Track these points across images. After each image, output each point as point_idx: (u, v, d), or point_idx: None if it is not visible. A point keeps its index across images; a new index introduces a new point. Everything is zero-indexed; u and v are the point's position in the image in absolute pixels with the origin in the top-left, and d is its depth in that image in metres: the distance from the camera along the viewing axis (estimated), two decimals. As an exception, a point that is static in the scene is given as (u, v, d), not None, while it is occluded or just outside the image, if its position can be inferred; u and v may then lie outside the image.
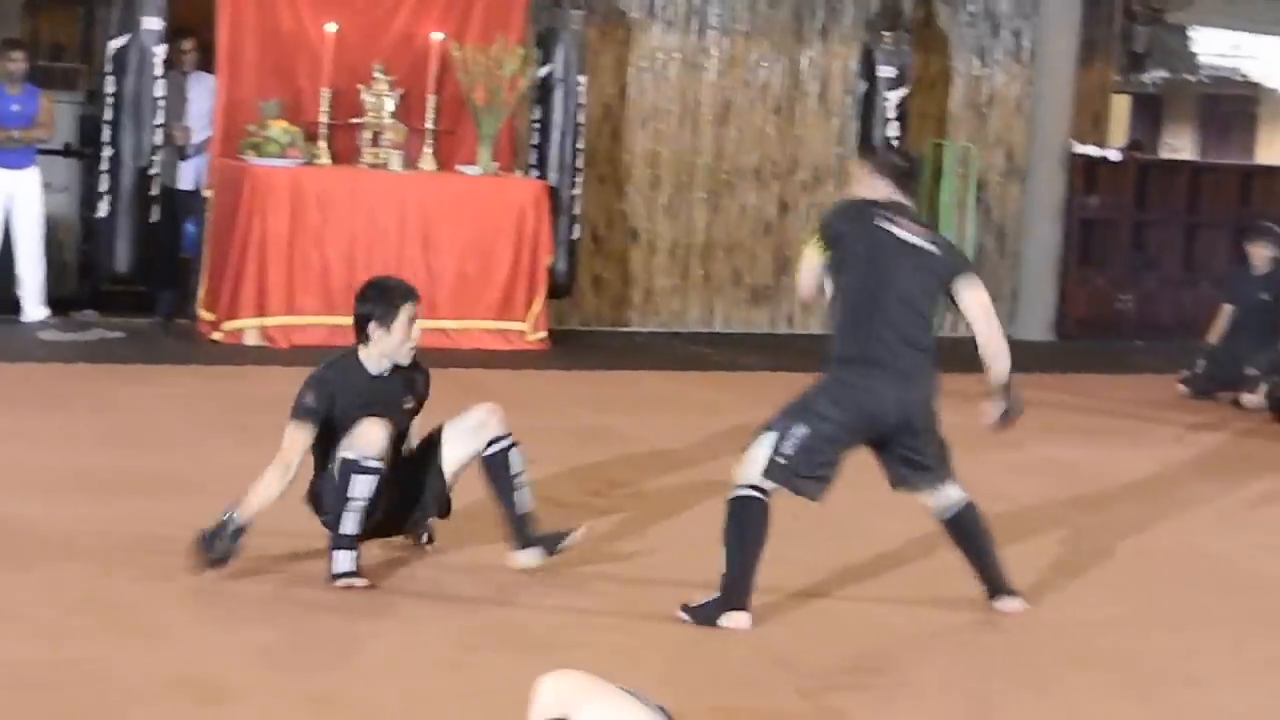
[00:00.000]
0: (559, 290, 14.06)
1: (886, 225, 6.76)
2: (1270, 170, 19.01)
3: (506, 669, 6.11)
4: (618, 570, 7.41)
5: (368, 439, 6.90)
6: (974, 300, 6.85)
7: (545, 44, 14.26)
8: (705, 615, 6.69)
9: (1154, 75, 20.55)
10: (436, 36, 13.56)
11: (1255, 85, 21.74)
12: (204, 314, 13.29)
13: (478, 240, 13.47)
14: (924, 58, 16.13)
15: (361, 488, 6.88)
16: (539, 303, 13.62)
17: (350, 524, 6.91)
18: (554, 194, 13.89)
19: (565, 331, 14.37)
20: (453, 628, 6.55)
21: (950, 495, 6.98)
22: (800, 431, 6.69)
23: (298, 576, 7.04)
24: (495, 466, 7.16)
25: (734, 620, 6.68)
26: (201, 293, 13.38)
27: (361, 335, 7.13)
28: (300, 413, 7.02)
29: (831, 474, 6.78)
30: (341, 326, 12.97)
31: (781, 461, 6.68)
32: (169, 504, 8.06)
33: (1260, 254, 13.47)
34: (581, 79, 14.24)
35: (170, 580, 6.87)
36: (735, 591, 6.71)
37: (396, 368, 7.19)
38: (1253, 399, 12.89)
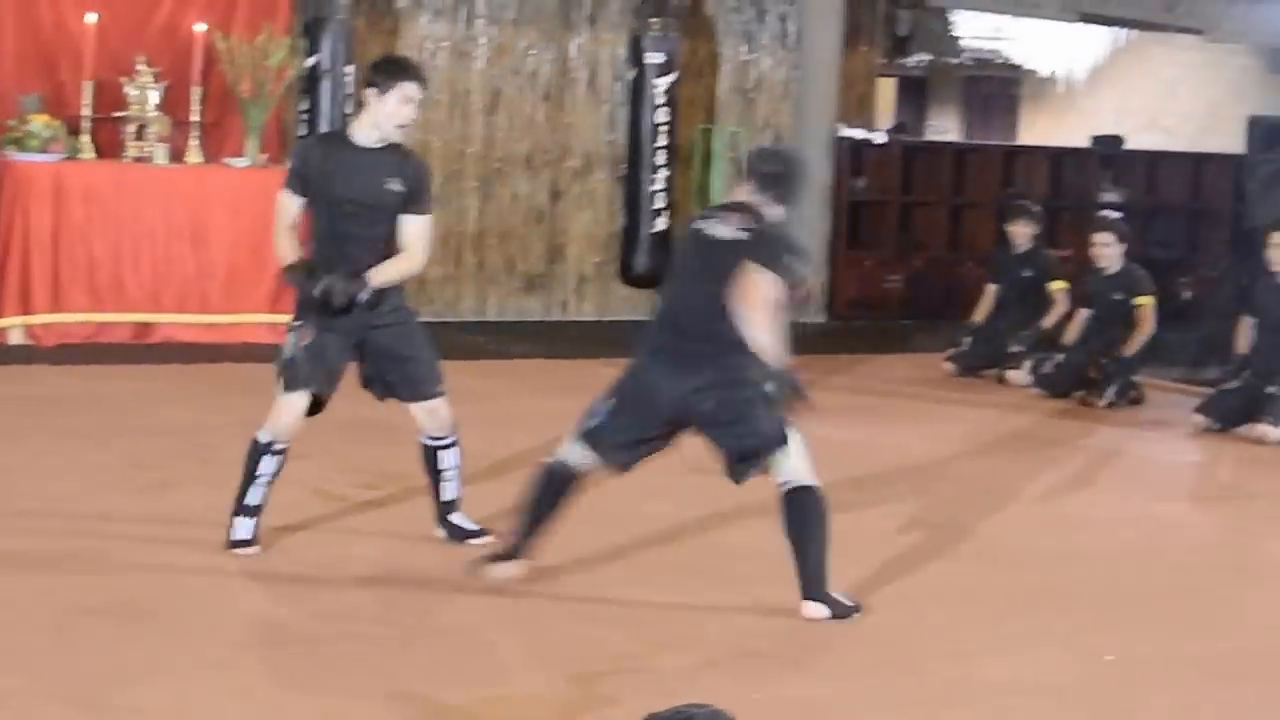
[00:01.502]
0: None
1: (700, 224, 7.10)
2: (1032, 150, 19.36)
3: (272, 667, 6.10)
4: (388, 566, 7.40)
5: (282, 424, 7.27)
6: (746, 288, 6.81)
7: (312, 34, 14.12)
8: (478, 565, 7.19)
9: (918, 58, 20.83)
10: (200, 28, 13.41)
11: (1017, 67, 22.09)
12: (-33, 313, 13.03)
13: (248, 233, 13.31)
14: (692, 44, 16.22)
15: (268, 467, 7.31)
16: (310, 295, 13.50)
17: (255, 497, 7.34)
18: (323, 185, 13.76)
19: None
20: (219, 627, 6.50)
21: (784, 470, 6.96)
22: (608, 405, 7.01)
23: (63, 577, 6.96)
24: (428, 458, 7.69)
25: (504, 570, 7.12)
26: (-36, 292, 13.11)
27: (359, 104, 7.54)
28: (286, 179, 7.44)
29: (637, 449, 7.05)
30: (110, 323, 12.96)
31: (591, 425, 7.03)
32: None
33: (1020, 232, 13.71)
34: (349, 69, 14.13)
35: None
36: (520, 541, 7.13)
37: (388, 147, 7.38)
38: (1018, 375, 13.16)
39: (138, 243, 13.04)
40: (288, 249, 7.38)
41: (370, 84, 7.40)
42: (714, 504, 8.38)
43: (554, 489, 7.08)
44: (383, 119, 7.33)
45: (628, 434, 7.02)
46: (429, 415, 7.57)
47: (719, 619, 6.91)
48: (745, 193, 7.10)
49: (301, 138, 7.30)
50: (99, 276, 12.92)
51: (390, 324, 7.44)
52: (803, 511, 6.94)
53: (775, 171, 7.14)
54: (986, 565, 8.00)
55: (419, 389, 7.54)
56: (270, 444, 7.32)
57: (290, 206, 7.41)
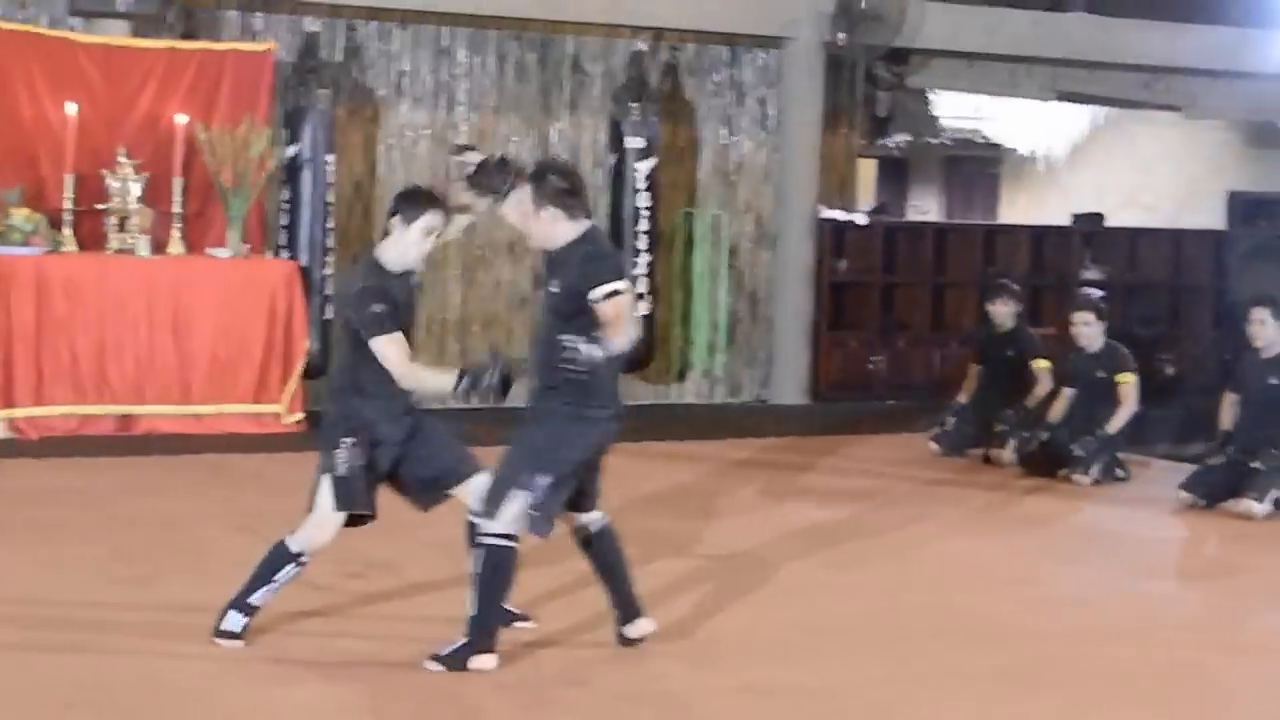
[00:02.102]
0: (314, 371, 13.91)
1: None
2: (1013, 229, 19.40)
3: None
4: (376, 655, 7.36)
5: (320, 539, 7.30)
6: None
7: (293, 124, 14.20)
8: (456, 661, 7.03)
9: (898, 139, 20.92)
10: (181, 119, 13.45)
11: (996, 146, 22.21)
12: (-50, 407, 13.01)
13: (230, 323, 13.35)
14: (672, 128, 16.27)
15: (286, 575, 7.33)
16: (293, 384, 13.52)
17: (259, 598, 7.32)
18: (305, 274, 13.81)
19: (321, 413, 14.20)
20: (216, 712, 6.47)
21: (594, 514, 7.43)
22: (544, 481, 7.07)
23: (46, 671, 6.92)
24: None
25: (483, 662, 7.04)
26: (-53, 386, 13.09)
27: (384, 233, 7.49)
28: (385, 323, 7.19)
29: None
30: (93, 416, 12.95)
31: (536, 514, 7.06)
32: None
33: (1002, 311, 13.71)
34: (330, 158, 14.19)
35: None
36: (485, 635, 7.06)
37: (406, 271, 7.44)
38: (1003, 454, 13.15)
39: (120, 335, 13.05)
40: (438, 371, 7.52)
41: (394, 213, 7.40)
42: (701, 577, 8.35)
43: (509, 569, 7.15)
44: (407, 248, 7.36)
45: (563, 499, 7.21)
46: (478, 492, 7.51)
47: (706, 699, 6.88)
48: (573, 223, 7.43)
49: (363, 281, 7.27)
50: (82, 369, 12.93)
51: (420, 427, 7.46)
52: (615, 541, 7.45)
53: (577, 186, 7.52)
54: (974, 646, 7.97)
55: (460, 470, 7.49)
56: (299, 555, 7.32)
57: (406, 344, 7.27)
